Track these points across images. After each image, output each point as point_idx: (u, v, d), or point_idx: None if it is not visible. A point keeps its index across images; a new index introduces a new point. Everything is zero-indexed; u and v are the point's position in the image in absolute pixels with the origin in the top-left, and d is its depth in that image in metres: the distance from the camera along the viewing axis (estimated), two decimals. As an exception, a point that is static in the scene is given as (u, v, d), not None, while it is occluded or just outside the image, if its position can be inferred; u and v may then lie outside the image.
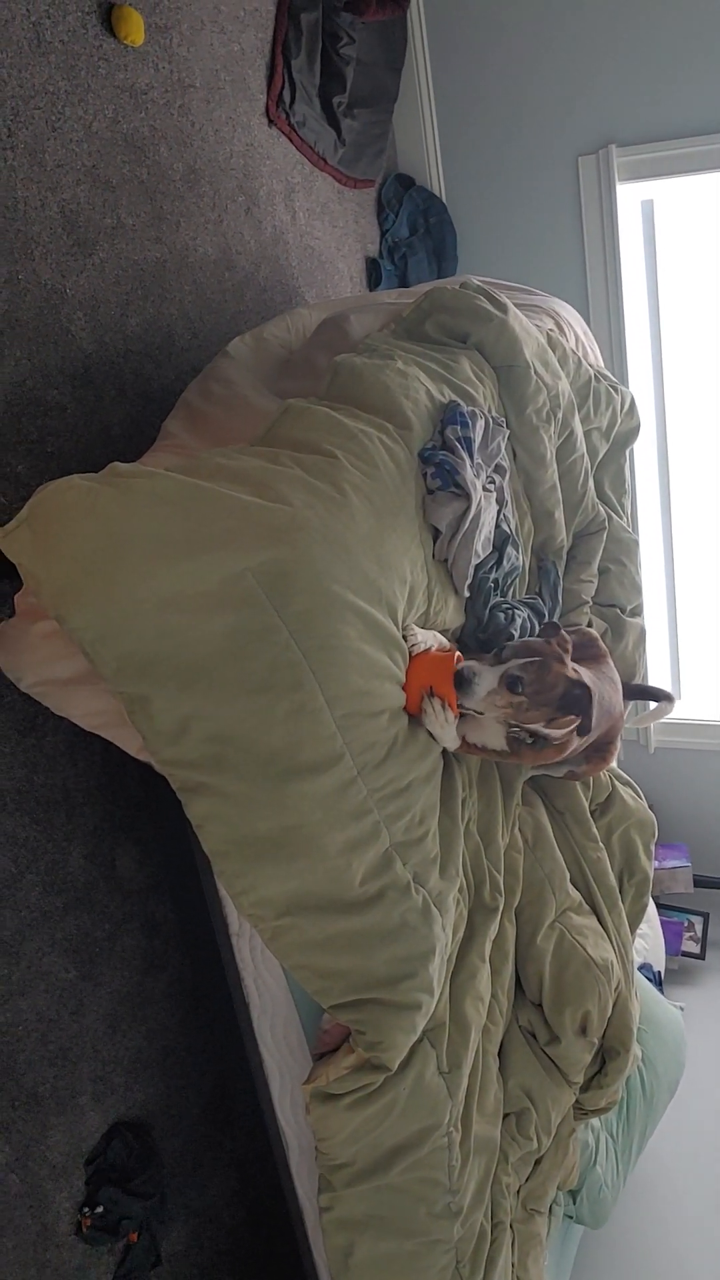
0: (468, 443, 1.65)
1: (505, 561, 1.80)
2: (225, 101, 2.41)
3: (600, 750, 1.95)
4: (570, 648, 1.66)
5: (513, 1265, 1.97)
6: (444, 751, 1.65)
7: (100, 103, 2.00)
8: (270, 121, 2.60)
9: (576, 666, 1.63)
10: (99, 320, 2.01)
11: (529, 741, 1.59)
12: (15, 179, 1.81)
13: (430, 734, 1.58)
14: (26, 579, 1.32)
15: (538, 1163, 2.05)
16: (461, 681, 1.53)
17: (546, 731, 1.57)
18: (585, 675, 1.65)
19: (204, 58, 2.32)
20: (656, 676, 3.74)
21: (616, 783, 2.28)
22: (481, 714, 1.57)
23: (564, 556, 2.16)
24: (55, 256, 1.90)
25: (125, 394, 2.08)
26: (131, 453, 2.01)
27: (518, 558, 1.87)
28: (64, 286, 1.92)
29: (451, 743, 1.60)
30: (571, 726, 1.59)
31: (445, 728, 1.56)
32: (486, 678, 1.54)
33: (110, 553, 1.27)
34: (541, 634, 1.71)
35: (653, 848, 2.27)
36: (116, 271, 2.06)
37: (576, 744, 1.72)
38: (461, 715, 1.58)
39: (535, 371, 1.91)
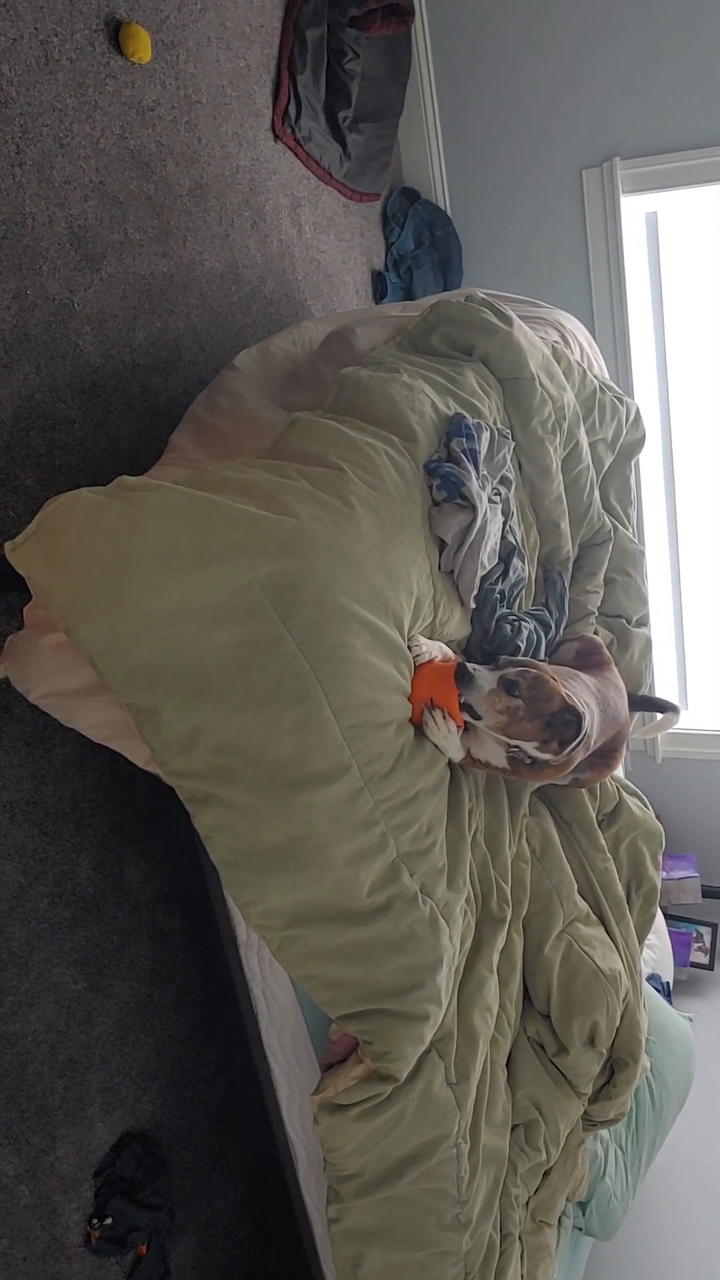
0: (473, 455, 1.65)
1: (511, 573, 1.80)
2: (231, 117, 2.43)
3: (605, 756, 1.95)
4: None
5: (522, 1277, 1.97)
6: (451, 762, 1.65)
7: (108, 119, 2.02)
8: (276, 137, 2.62)
9: (574, 693, 1.62)
10: (106, 334, 2.03)
11: (528, 762, 1.60)
12: (24, 195, 1.82)
13: (435, 746, 1.58)
14: (35, 591, 1.33)
15: (546, 1174, 2.04)
16: (463, 674, 1.53)
17: (538, 755, 1.57)
18: (582, 700, 1.64)
19: (210, 74, 2.34)
20: (663, 687, 3.74)
21: (624, 792, 2.28)
22: (481, 718, 1.56)
23: (570, 567, 2.17)
24: (63, 271, 1.91)
25: (133, 407, 2.09)
26: (139, 466, 2.02)
27: (523, 569, 1.87)
28: (72, 301, 1.94)
29: (456, 753, 1.61)
30: (567, 750, 1.59)
31: (447, 739, 1.56)
32: (487, 677, 1.55)
33: (118, 565, 1.28)
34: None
35: (660, 858, 2.26)
36: (124, 286, 2.07)
37: (580, 758, 1.72)
38: (465, 728, 1.58)
39: (540, 383, 1.92)
